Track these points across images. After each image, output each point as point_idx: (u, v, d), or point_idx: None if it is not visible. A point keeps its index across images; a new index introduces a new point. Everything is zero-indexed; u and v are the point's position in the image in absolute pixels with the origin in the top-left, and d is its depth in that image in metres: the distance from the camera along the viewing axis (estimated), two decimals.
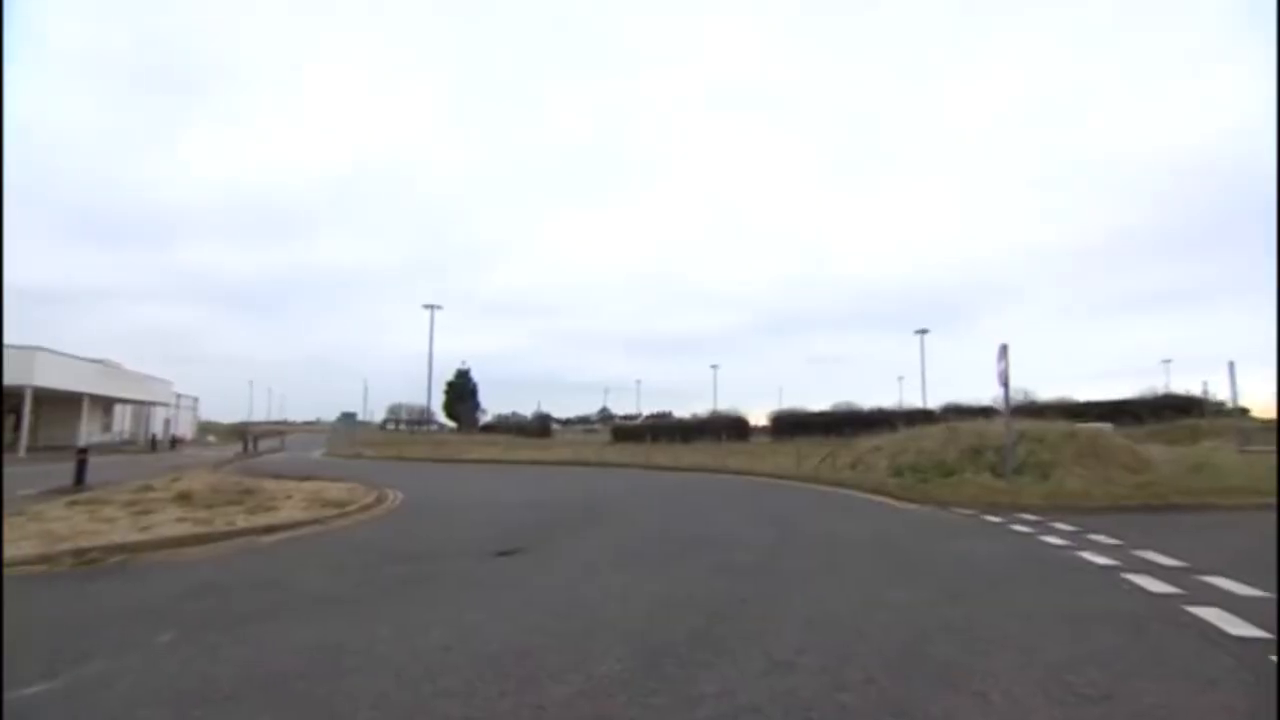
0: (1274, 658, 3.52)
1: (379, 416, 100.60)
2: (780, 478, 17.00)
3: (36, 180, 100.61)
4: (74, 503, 9.88)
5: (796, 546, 7.36)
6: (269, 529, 8.16)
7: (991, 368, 13.17)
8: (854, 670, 3.39)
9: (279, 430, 72.68)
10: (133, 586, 5.61)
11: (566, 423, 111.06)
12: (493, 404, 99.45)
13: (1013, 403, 14.38)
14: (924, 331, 50.39)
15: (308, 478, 15.79)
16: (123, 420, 47.76)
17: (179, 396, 56.74)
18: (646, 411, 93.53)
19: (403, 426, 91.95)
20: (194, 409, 65.56)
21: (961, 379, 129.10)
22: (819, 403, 64.08)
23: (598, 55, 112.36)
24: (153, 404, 49.65)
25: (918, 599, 4.87)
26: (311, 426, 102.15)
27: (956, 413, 29.17)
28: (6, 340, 31.72)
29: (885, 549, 7.26)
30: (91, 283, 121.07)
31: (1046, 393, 40.56)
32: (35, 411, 32.35)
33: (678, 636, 3.99)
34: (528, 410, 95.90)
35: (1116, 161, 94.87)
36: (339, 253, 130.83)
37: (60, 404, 35.68)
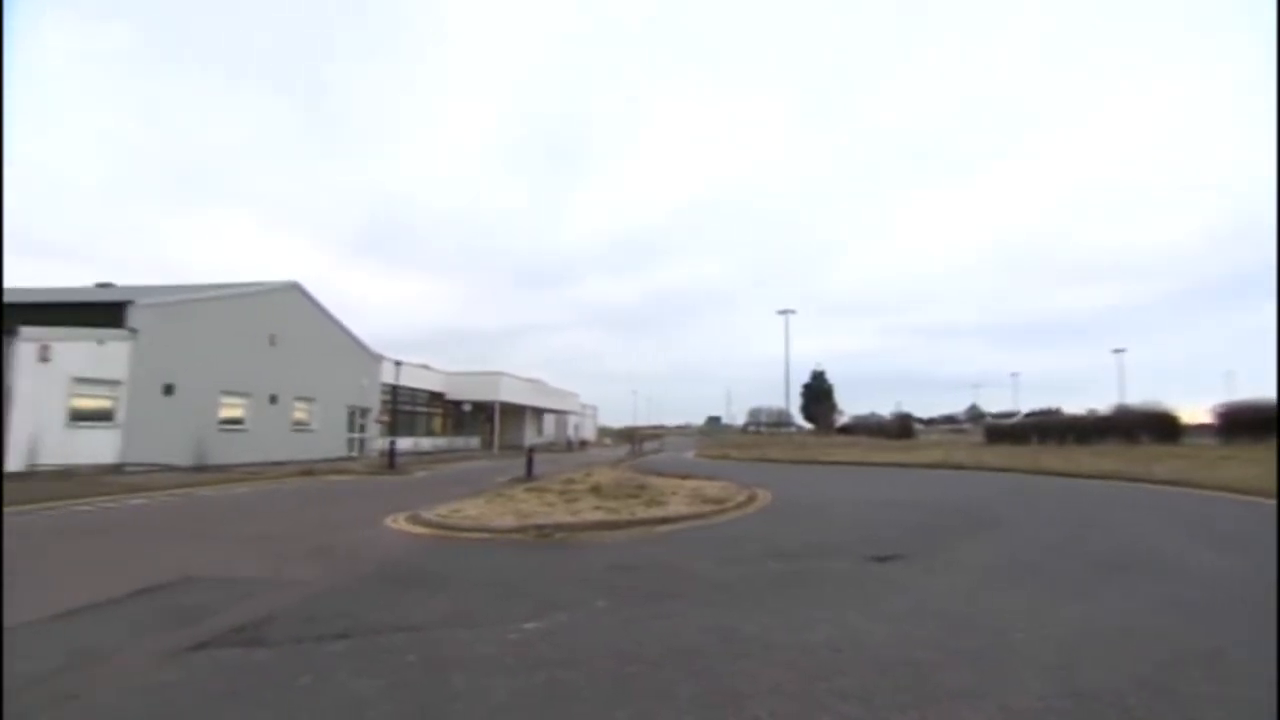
0: None
1: (740, 420, 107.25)
2: (1241, 492, 12.70)
3: (486, 250, 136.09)
4: (529, 489, 12.89)
5: None
6: (663, 520, 9.38)
7: None
8: None
9: (657, 433, 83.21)
10: (572, 558, 7.04)
11: (929, 422, 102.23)
12: (849, 404, 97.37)
13: None
14: None
15: (686, 476, 17.65)
16: (548, 425, 60.69)
17: (583, 406, 69.66)
18: (1025, 408, 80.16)
19: (762, 429, 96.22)
20: (594, 416, 79.57)
21: None
22: None
23: (923, 38, 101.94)
24: (567, 413, 62.03)
25: None
26: (682, 430, 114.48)
27: None
28: (484, 367, 43.32)
29: None
30: (527, 319, 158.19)
31: None
32: (502, 419, 43.35)
33: (1119, 683, 3.30)
34: (886, 410, 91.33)
35: None
36: (697, 272, 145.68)
37: (512, 413, 47.25)
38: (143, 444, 18.36)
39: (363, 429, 29.86)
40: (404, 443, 28.89)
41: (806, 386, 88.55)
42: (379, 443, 28.99)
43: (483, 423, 45.15)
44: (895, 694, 3.15)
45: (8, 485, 13.38)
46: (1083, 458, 23.59)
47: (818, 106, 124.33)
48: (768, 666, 3.56)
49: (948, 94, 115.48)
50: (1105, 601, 4.93)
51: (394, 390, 32.32)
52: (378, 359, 31.26)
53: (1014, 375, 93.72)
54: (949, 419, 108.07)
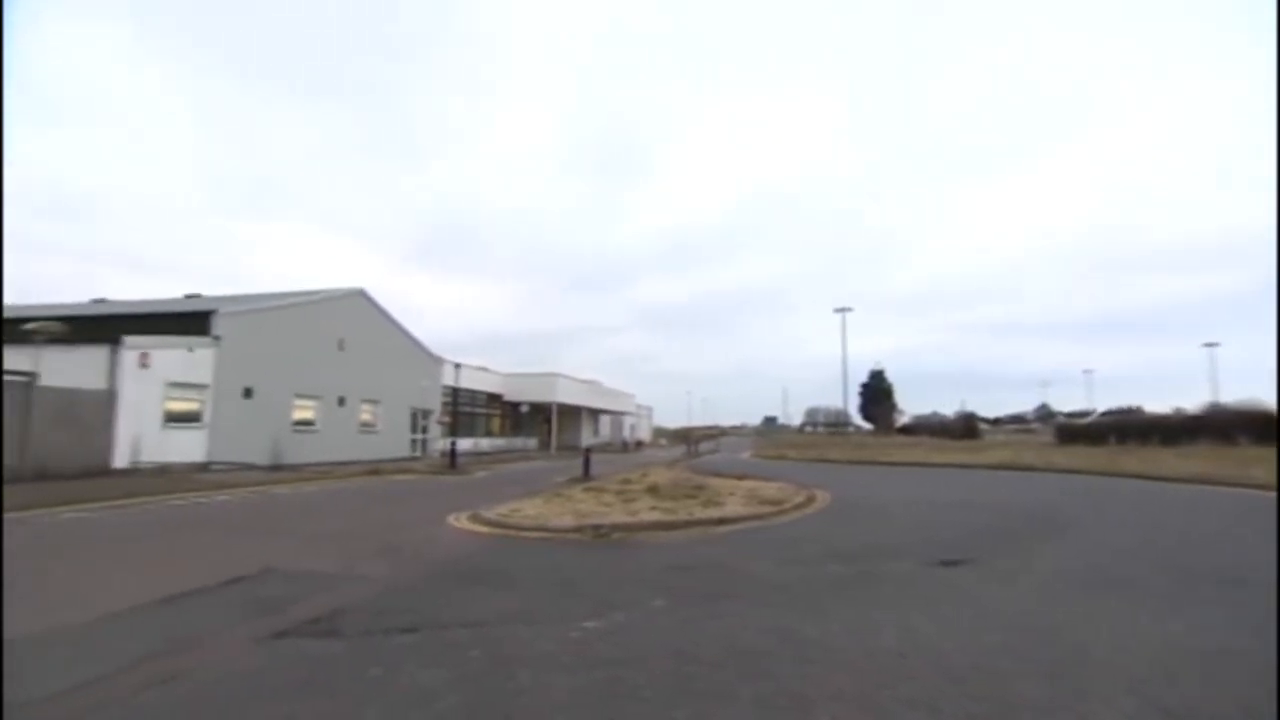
0: None
1: (797, 420, 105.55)
2: None
3: (542, 253, 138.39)
4: (587, 489, 13.04)
5: None
6: (721, 521, 9.32)
7: None
8: None
9: (712, 434, 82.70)
10: (630, 558, 7.08)
11: (995, 422, 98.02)
12: (910, 404, 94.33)
13: None
14: None
15: (743, 477, 17.49)
16: (604, 426, 61.17)
17: (639, 406, 69.90)
18: (1101, 407, 75.82)
19: (820, 429, 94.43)
20: (649, 417, 79.76)
21: None
22: None
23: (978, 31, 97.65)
24: (623, 413, 62.36)
25: None
26: (738, 430, 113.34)
27: None
28: (540, 369, 44.10)
29: None
30: (582, 321, 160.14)
31: None
32: (558, 420, 44.00)
33: (1220, 706, 3.07)
34: (948, 409, 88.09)
35: None
36: (753, 270, 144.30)
37: (569, 414, 47.85)
38: (226, 444, 19.49)
39: (425, 430, 30.84)
40: (464, 443, 29.68)
41: (865, 386, 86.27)
42: (440, 443, 29.88)
43: (540, 424, 45.91)
44: (966, 704, 3.04)
45: (118, 480, 14.45)
46: (1168, 460, 21.89)
47: (872, 98, 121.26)
48: (830, 670, 3.50)
49: (1008, 79, 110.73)
50: (1198, 616, 4.61)
51: (454, 392, 33.24)
52: (438, 361, 32.23)
53: (1087, 372, 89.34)
54: (1016, 418, 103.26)
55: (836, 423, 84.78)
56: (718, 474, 18.66)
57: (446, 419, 31.46)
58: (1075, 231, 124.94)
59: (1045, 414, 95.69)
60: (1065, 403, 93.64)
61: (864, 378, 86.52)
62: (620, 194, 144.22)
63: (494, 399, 41.99)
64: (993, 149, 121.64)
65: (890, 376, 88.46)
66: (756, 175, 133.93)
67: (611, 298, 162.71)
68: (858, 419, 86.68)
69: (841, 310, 40.95)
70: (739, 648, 3.88)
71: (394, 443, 27.99)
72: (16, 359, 15.89)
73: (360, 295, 27.07)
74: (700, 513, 9.76)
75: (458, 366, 32.81)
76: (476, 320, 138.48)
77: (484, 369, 40.88)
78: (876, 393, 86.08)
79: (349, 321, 25.90)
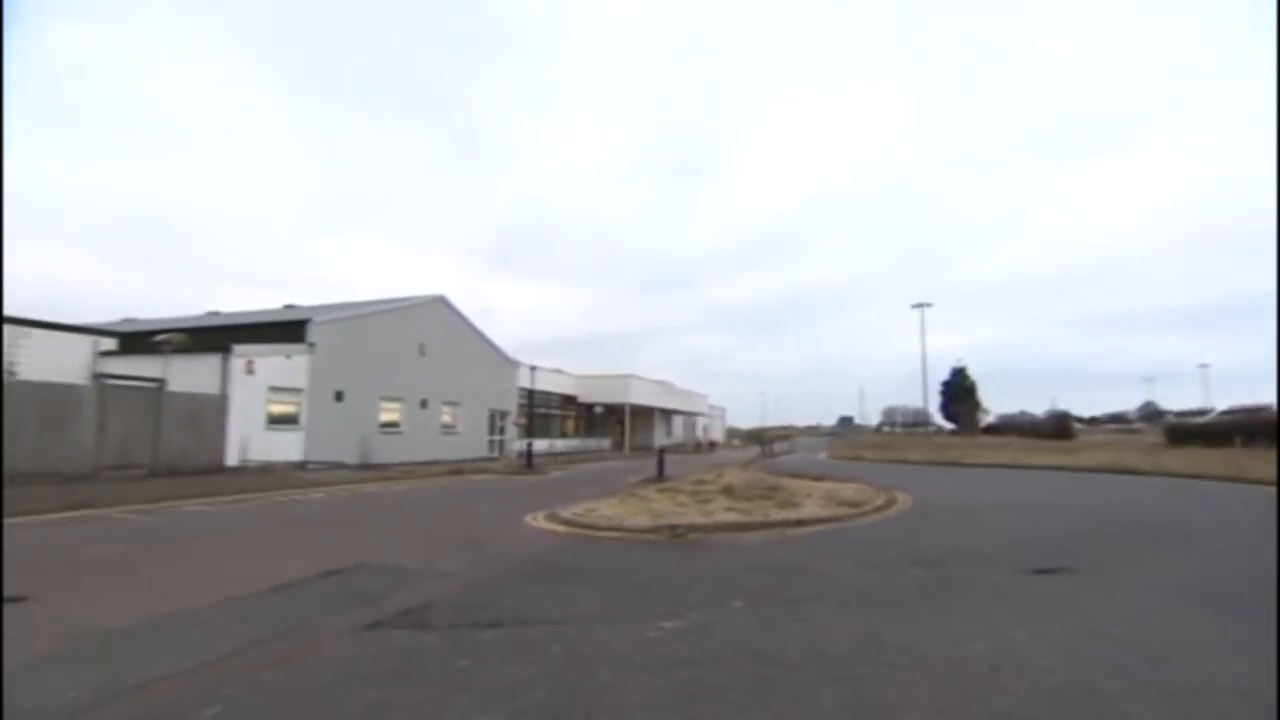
0: None
1: (874, 420, 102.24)
2: None
3: (614, 256, 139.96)
4: (661, 490, 13.09)
5: None
6: (799, 522, 9.16)
7: None
8: None
9: (786, 434, 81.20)
10: (706, 559, 7.06)
11: (1092, 421, 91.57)
12: (996, 402, 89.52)
13: None
14: None
15: (820, 478, 17.09)
16: (677, 426, 61.18)
17: (711, 407, 69.49)
18: (1221, 405, 69.22)
19: (898, 429, 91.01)
20: (722, 417, 79.12)
21: None
22: None
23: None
24: (695, 414, 62.20)
25: None
26: (812, 430, 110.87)
27: None
28: (613, 370, 44.66)
29: None
30: (654, 322, 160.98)
31: None
32: (632, 421, 44.36)
33: None
34: (1037, 408, 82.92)
35: None
36: (828, 267, 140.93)
37: (642, 415, 48.17)
38: (320, 444, 20.77)
39: (502, 431, 31.79)
40: (539, 444, 30.38)
41: (946, 384, 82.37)
42: (517, 444, 30.75)
43: (613, 424, 46.44)
44: None
45: (230, 477, 15.72)
46: None
47: (948, 85, 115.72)
48: (918, 678, 3.37)
49: (1099, 51, 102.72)
50: None
51: (529, 394, 34.09)
52: (514, 364, 33.16)
53: (1203, 366, 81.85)
54: (1116, 418, 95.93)
55: (915, 422, 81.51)
56: (793, 475, 18.31)
57: (523, 420, 32.32)
58: (1186, 210, 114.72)
59: (1151, 412, 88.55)
60: (1174, 400, 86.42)
61: (944, 375, 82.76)
62: (689, 195, 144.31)
63: (568, 400, 42.77)
64: (1084, 129, 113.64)
65: (976, 373, 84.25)
66: (825, 170, 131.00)
67: (682, 298, 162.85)
68: (938, 418, 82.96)
69: (919, 305, 39.40)
70: (821, 651, 3.81)
71: (473, 444, 29.01)
72: (148, 367, 17.93)
73: (440, 301, 28.22)
74: (777, 514, 9.62)
75: (533, 369, 33.63)
76: (549, 323, 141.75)
77: (558, 371, 41.72)
78: (959, 391, 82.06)
79: (430, 326, 27.06)
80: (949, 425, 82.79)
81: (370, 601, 4.97)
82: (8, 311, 16.73)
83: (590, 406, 43.36)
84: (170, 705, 3.07)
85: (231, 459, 18.02)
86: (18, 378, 15.48)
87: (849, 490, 13.11)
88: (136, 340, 20.81)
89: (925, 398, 43.94)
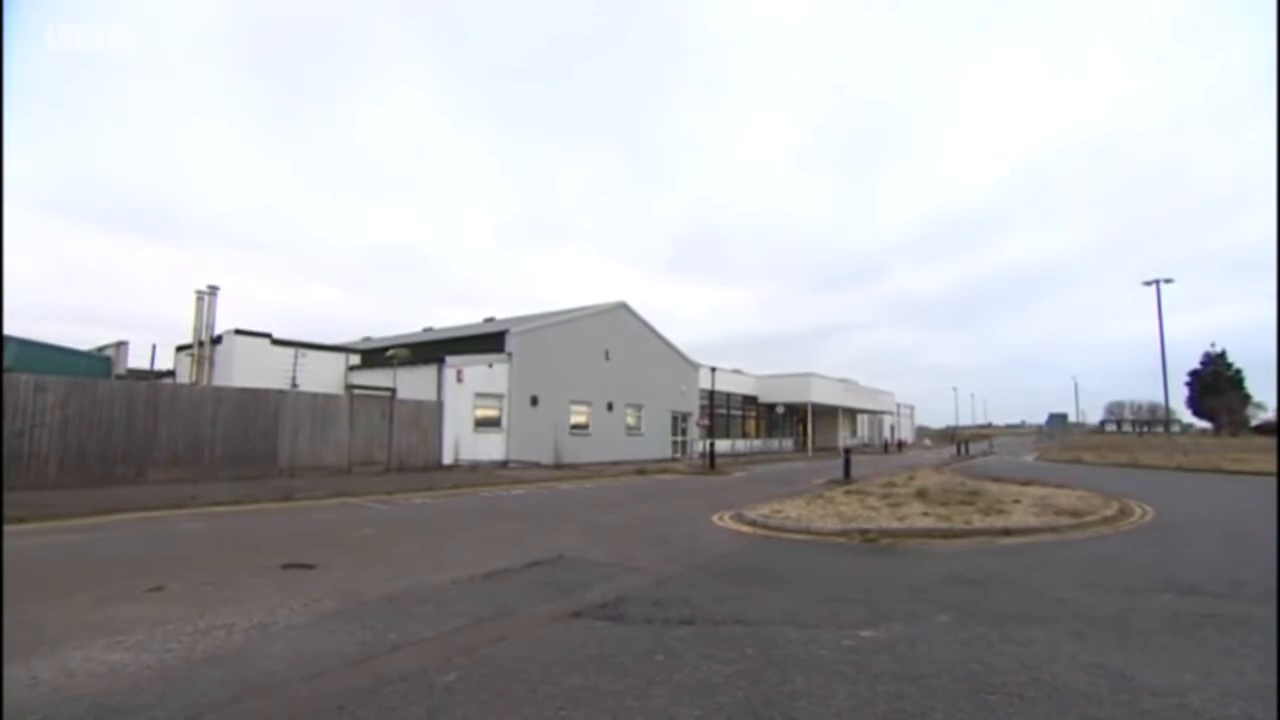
0: None
1: (1093, 417, 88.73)
2: None
3: (789, 255, 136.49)
4: (849, 491, 12.54)
5: None
6: (1005, 531, 8.26)
7: None
8: None
9: (984, 434, 73.33)
10: (902, 566, 6.63)
11: None
12: (1267, 395, 72.82)
13: None
14: None
15: (1028, 482, 15.28)
16: (862, 426, 58.07)
17: (899, 405, 64.95)
18: None
19: (1125, 427, 77.92)
20: (911, 416, 73.62)
21: None
22: None
23: None
24: (881, 412, 58.58)
25: None
26: (1015, 430, 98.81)
27: None
28: (793, 369, 43.59)
29: None
30: (832, 319, 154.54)
31: None
32: (814, 420, 43.03)
33: None
34: None
35: None
36: (1029, 248, 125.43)
37: (824, 414, 46.49)
38: (518, 445, 22.82)
39: (684, 432, 32.47)
40: (721, 444, 30.59)
41: (1195, 374, 68.75)
42: (699, 445, 31.21)
43: (795, 424, 45.33)
44: None
45: (446, 474, 17.93)
46: None
47: (1172, 28, 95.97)
48: None
49: None
50: None
51: (710, 395, 34.45)
52: (694, 366, 33.72)
53: None
54: None
55: (1149, 420, 69.10)
56: (997, 479, 16.61)
57: (705, 421, 32.74)
58: None
59: None
60: None
61: (1189, 364, 69.13)
62: (869, 184, 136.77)
63: (749, 401, 42.56)
64: None
65: (1240, 360, 69.48)
66: (1029, 141, 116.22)
67: (861, 292, 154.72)
68: (1185, 415, 69.57)
69: (1154, 282, 32.82)
70: (1049, 682, 3.40)
71: (657, 444, 29.98)
72: (382, 378, 21.34)
73: (622, 307, 29.59)
74: (979, 521, 8.76)
75: (713, 370, 33.97)
76: (725, 324, 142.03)
77: (738, 371, 41.69)
78: (1215, 381, 67.97)
79: (613, 332, 28.50)
80: (1201, 423, 69.12)
81: (569, 592, 5.36)
82: (284, 335, 20.67)
83: (771, 407, 42.73)
84: (417, 668, 3.57)
85: (447, 457, 20.48)
86: (299, 389, 19.00)
87: (1067, 497, 11.57)
88: (372, 355, 24.47)
89: (1165, 390, 36.65)
